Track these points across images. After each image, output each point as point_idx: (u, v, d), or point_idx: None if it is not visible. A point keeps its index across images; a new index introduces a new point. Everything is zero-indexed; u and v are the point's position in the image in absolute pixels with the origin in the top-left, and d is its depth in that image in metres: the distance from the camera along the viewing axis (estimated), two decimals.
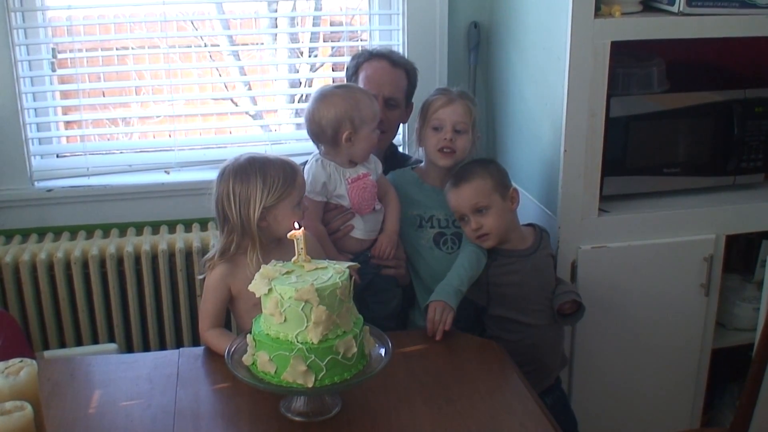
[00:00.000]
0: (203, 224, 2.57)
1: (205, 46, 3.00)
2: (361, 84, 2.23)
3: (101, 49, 2.71)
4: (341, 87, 2.06)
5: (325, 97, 2.00)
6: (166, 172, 2.66)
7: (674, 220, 2.29)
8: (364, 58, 2.28)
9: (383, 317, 2.04)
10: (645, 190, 2.34)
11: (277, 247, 1.82)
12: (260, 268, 1.56)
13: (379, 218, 2.08)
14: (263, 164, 1.79)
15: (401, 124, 2.40)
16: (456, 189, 2.04)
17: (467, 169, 2.06)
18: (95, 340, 2.48)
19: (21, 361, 1.39)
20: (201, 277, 1.89)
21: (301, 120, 2.78)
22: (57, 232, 2.57)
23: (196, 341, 2.49)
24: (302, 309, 1.46)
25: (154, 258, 2.45)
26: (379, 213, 2.08)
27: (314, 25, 3.14)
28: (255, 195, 1.76)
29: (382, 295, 2.09)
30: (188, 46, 2.83)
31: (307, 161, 2.05)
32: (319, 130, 1.99)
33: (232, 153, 1.89)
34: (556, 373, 2.17)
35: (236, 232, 1.79)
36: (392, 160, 2.34)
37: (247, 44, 3.22)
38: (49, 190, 2.55)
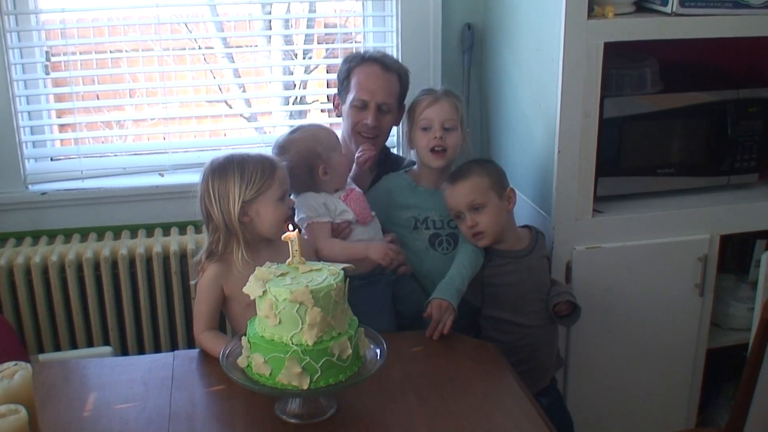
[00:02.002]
0: (198, 227, 2.56)
1: (199, 48, 3.00)
2: (353, 90, 2.22)
3: (95, 52, 2.70)
4: (293, 131, 2.07)
5: (283, 148, 2.01)
6: (160, 174, 2.66)
7: (668, 221, 2.29)
8: (356, 62, 2.27)
9: (414, 315, 2.04)
10: (639, 191, 2.34)
11: (267, 247, 1.83)
12: (248, 266, 1.56)
13: (377, 223, 2.09)
14: (241, 160, 1.81)
15: (393, 126, 2.39)
16: (453, 186, 2.05)
17: (465, 168, 2.07)
18: (90, 343, 2.48)
19: (15, 365, 1.40)
20: (194, 282, 1.89)
21: (296, 121, 2.78)
22: (51, 235, 2.56)
23: (191, 344, 2.48)
24: (297, 311, 1.46)
25: (148, 261, 2.45)
26: (376, 219, 2.09)
27: (308, 27, 3.14)
28: (233, 190, 1.78)
29: (409, 297, 2.09)
30: (182, 49, 2.83)
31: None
32: (295, 178, 1.97)
33: None
34: (552, 374, 2.18)
35: (221, 231, 1.80)
36: (386, 162, 2.34)
37: (241, 46, 3.22)
38: (44, 194, 2.55)
